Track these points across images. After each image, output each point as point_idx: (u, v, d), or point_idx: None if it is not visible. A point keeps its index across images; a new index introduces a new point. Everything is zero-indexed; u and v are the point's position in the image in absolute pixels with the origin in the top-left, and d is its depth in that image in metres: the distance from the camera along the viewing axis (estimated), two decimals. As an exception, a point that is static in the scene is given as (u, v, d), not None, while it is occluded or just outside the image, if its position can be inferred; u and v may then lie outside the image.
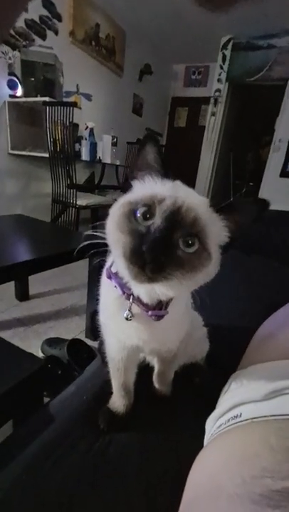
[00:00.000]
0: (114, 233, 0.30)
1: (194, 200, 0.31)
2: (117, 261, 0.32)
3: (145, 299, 0.35)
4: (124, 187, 0.35)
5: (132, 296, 0.36)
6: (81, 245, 0.37)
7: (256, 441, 0.30)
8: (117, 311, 0.39)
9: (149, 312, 0.36)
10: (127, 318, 0.37)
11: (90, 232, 0.33)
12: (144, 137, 0.32)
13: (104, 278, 0.41)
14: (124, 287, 0.36)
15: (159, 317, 0.37)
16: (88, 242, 0.34)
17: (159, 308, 0.36)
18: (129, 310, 0.37)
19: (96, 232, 0.32)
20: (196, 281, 0.31)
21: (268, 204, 0.30)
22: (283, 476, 0.25)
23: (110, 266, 0.38)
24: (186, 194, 0.31)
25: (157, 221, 0.28)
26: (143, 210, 0.29)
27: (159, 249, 0.27)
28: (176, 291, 0.32)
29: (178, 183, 0.33)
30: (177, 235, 0.28)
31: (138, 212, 0.29)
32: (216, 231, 0.31)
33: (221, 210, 0.31)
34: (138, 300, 0.36)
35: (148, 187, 0.32)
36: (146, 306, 0.36)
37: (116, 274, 0.36)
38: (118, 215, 0.31)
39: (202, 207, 0.31)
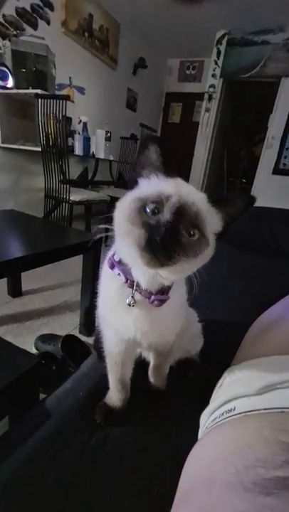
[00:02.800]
0: (126, 225, 0.34)
1: (195, 196, 0.35)
2: (125, 249, 0.37)
3: (144, 285, 0.38)
4: (130, 182, 0.38)
5: (134, 283, 0.39)
6: (97, 237, 0.41)
7: (250, 434, 0.32)
8: (119, 300, 0.41)
9: (152, 297, 0.39)
10: (129, 305, 0.39)
11: (102, 226, 0.38)
12: (147, 138, 0.36)
13: (105, 268, 0.43)
14: (127, 274, 0.39)
15: (161, 302, 0.39)
16: (101, 235, 0.39)
17: (160, 294, 0.39)
18: (132, 296, 0.39)
19: (107, 225, 0.37)
20: (195, 264, 0.36)
21: (254, 199, 0.36)
22: (275, 465, 0.26)
23: (113, 255, 0.40)
24: (188, 191, 0.35)
25: (166, 215, 0.32)
26: (152, 207, 0.33)
27: (170, 240, 0.32)
28: (178, 274, 0.36)
29: (179, 180, 0.36)
30: (182, 226, 0.33)
31: (148, 208, 0.33)
32: (213, 221, 0.36)
33: (216, 203, 0.36)
34: (140, 287, 0.39)
35: (154, 185, 0.36)
36: (149, 293, 0.39)
37: (119, 262, 0.39)
38: (129, 210, 0.34)
39: (202, 201, 0.35)
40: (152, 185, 0.36)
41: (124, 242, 0.35)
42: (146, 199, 0.33)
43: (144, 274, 0.38)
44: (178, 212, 0.32)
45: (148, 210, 0.33)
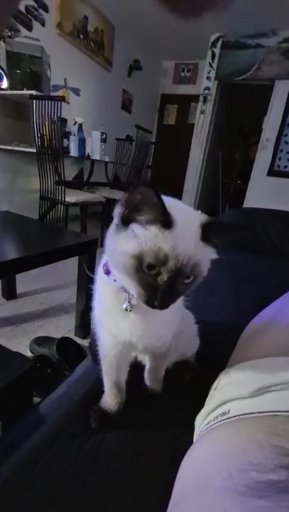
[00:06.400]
0: (123, 275, 0.36)
1: (191, 245, 0.34)
2: (121, 279, 0.38)
3: None
4: (124, 220, 0.35)
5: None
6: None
7: (243, 437, 0.32)
8: (114, 304, 0.41)
9: None
10: (126, 310, 0.40)
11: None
12: (142, 183, 0.32)
13: (100, 274, 0.43)
14: None
15: None
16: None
17: None
18: (128, 301, 0.39)
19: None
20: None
21: (245, 229, 0.35)
22: (268, 469, 0.27)
23: (107, 262, 0.40)
24: (185, 245, 0.33)
25: (163, 277, 0.34)
26: (149, 267, 0.34)
27: (168, 300, 0.35)
28: None
29: (177, 231, 0.33)
30: (179, 280, 0.34)
31: (144, 267, 0.34)
32: (208, 257, 0.37)
33: (209, 237, 0.35)
34: None
35: (150, 239, 0.33)
36: None
37: None
38: (126, 265, 0.35)
39: (197, 246, 0.34)
40: (149, 238, 0.33)
41: (123, 279, 0.37)
42: (143, 259, 0.33)
43: None
44: (176, 274, 0.33)
45: (145, 268, 0.34)
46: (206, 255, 0.36)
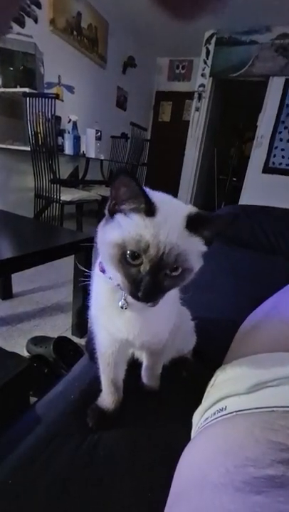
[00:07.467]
0: (110, 267, 0.36)
1: (174, 234, 0.33)
2: (112, 272, 0.38)
3: None
4: (111, 211, 0.36)
5: None
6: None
7: (241, 433, 0.32)
8: (110, 302, 0.41)
9: None
10: (122, 307, 0.39)
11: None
12: (120, 171, 0.32)
13: (96, 271, 0.43)
14: None
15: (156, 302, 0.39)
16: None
17: None
18: (124, 299, 0.39)
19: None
20: (180, 286, 0.39)
21: (233, 219, 0.37)
22: (265, 464, 0.27)
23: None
24: (168, 233, 0.33)
25: (146, 267, 0.33)
26: (132, 255, 0.34)
27: (151, 292, 0.34)
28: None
29: (159, 217, 0.33)
30: (163, 271, 0.34)
31: (128, 256, 0.34)
32: (195, 248, 0.36)
33: (198, 226, 0.35)
34: None
35: (132, 226, 0.34)
36: None
37: None
38: (110, 255, 0.35)
39: (181, 236, 0.34)
40: (131, 226, 0.34)
41: (112, 272, 0.37)
42: (125, 246, 0.33)
43: None
44: (157, 264, 0.33)
45: (128, 257, 0.34)
46: (193, 247, 0.35)
